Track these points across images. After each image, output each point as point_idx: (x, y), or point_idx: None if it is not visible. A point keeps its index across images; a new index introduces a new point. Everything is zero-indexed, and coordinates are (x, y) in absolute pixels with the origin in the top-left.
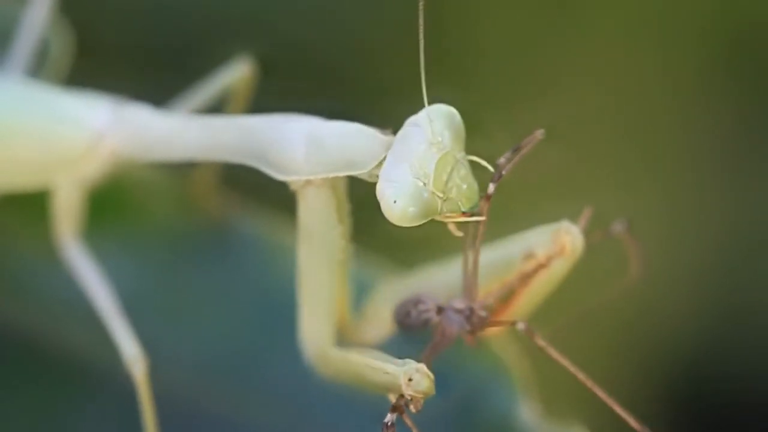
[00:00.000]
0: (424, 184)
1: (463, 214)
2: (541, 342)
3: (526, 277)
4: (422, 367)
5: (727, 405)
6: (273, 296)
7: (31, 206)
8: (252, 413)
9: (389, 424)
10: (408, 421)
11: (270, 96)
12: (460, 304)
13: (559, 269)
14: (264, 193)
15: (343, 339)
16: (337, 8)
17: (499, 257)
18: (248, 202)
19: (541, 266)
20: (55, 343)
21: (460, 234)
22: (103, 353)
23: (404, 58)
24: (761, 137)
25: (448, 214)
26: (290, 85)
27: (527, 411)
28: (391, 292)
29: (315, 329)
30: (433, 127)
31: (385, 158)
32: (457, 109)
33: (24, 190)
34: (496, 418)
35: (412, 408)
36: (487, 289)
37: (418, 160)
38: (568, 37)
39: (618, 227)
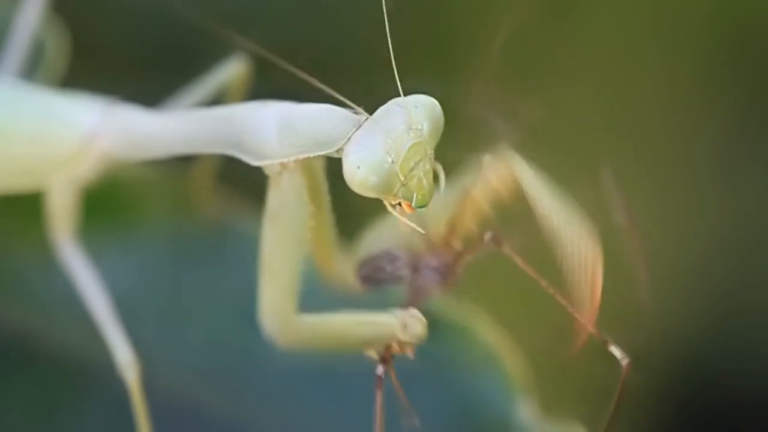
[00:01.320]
0: (392, 161)
1: (411, 207)
2: (507, 250)
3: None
4: (416, 312)
5: (727, 405)
6: None
7: (26, 206)
8: (248, 414)
9: (381, 376)
10: (393, 376)
11: (265, 94)
12: (434, 262)
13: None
14: (261, 192)
15: (329, 283)
16: (334, 4)
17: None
18: (245, 201)
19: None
20: (51, 344)
21: (407, 223)
22: (100, 353)
23: (402, 53)
24: (761, 136)
25: (401, 200)
26: (286, 82)
27: (525, 410)
28: (369, 241)
29: (275, 302)
30: (416, 113)
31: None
32: (455, 105)
33: (17, 192)
34: (494, 417)
35: (408, 353)
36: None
37: (394, 137)
38: (568, 36)
39: (605, 177)
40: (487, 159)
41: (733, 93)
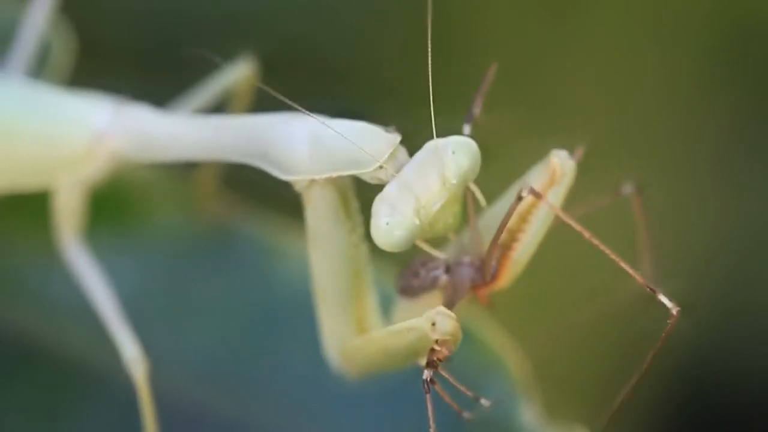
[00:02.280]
0: (419, 222)
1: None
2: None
3: (525, 215)
4: (442, 308)
5: (727, 405)
6: (274, 298)
7: (32, 207)
8: (253, 415)
9: (428, 380)
10: (444, 374)
11: (272, 96)
12: (467, 259)
13: (554, 198)
14: (266, 195)
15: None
16: (341, 7)
17: (500, 208)
18: (250, 203)
19: (538, 198)
20: (55, 344)
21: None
22: (104, 354)
23: (408, 56)
24: (761, 136)
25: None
26: (293, 85)
27: (528, 412)
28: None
29: (336, 330)
30: (452, 163)
31: (388, 157)
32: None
33: (25, 191)
34: (498, 420)
35: (445, 351)
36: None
37: (425, 200)
38: (567, 37)
39: (627, 189)
40: (550, 157)
41: (733, 93)
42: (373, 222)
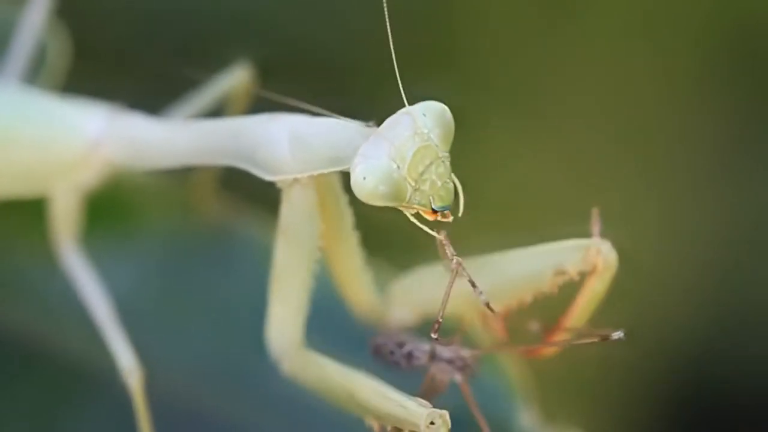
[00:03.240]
0: (398, 167)
1: (434, 212)
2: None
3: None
4: (446, 414)
5: (727, 405)
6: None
7: (32, 208)
8: (250, 418)
9: None
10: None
11: (269, 101)
12: (449, 353)
13: (595, 289)
14: (262, 198)
15: (366, 319)
16: (338, 10)
17: (528, 267)
18: (247, 206)
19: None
20: (53, 346)
21: (434, 234)
22: (102, 356)
23: (406, 60)
24: (761, 137)
25: (417, 206)
26: (290, 90)
27: (527, 417)
28: (408, 286)
29: (283, 324)
30: (423, 120)
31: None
32: (459, 106)
33: (21, 197)
34: (496, 423)
35: None
36: (519, 299)
37: (398, 143)
38: (567, 38)
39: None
40: (592, 243)
41: (733, 93)
42: (351, 177)
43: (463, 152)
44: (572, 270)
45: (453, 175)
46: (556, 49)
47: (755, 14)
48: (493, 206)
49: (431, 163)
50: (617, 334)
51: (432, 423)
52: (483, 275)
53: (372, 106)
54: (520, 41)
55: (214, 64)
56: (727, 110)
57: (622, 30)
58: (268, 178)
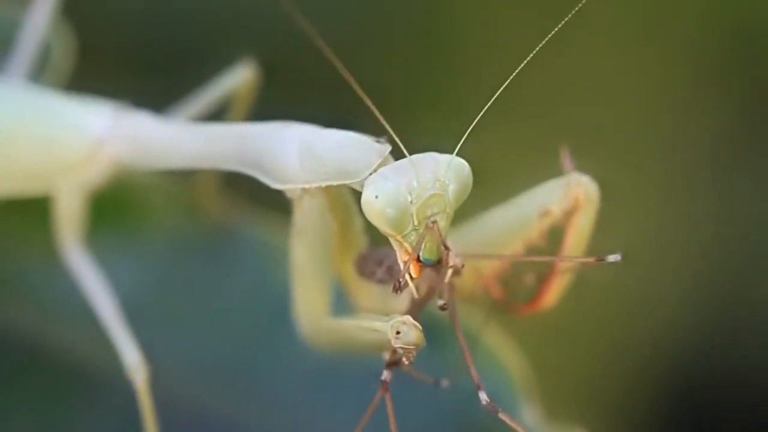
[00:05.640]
0: (411, 202)
1: (417, 260)
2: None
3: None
4: (408, 318)
5: (727, 405)
6: (275, 299)
7: (35, 207)
8: (254, 416)
9: (385, 380)
10: (409, 370)
11: (273, 100)
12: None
13: (581, 223)
14: (266, 197)
15: (357, 305)
16: (342, 12)
17: (513, 216)
18: (251, 205)
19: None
20: (56, 345)
21: (408, 271)
22: (105, 355)
23: (409, 62)
24: (758, 137)
25: (407, 245)
26: (294, 90)
27: (529, 415)
28: None
29: (308, 308)
30: (447, 171)
31: (377, 167)
32: (455, 106)
33: (25, 196)
34: (498, 421)
35: (405, 360)
36: (511, 252)
37: (420, 180)
38: (566, 38)
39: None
40: (571, 178)
41: (732, 93)
42: (364, 193)
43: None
44: (556, 208)
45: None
46: (552, 51)
47: (751, 15)
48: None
49: (438, 213)
50: (614, 257)
51: (398, 333)
52: (471, 239)
53: (374, 104)
54: (517, 41)
55: (219, 62)
56: (726, 110)
57: (620, 30)
58: (275, 186)
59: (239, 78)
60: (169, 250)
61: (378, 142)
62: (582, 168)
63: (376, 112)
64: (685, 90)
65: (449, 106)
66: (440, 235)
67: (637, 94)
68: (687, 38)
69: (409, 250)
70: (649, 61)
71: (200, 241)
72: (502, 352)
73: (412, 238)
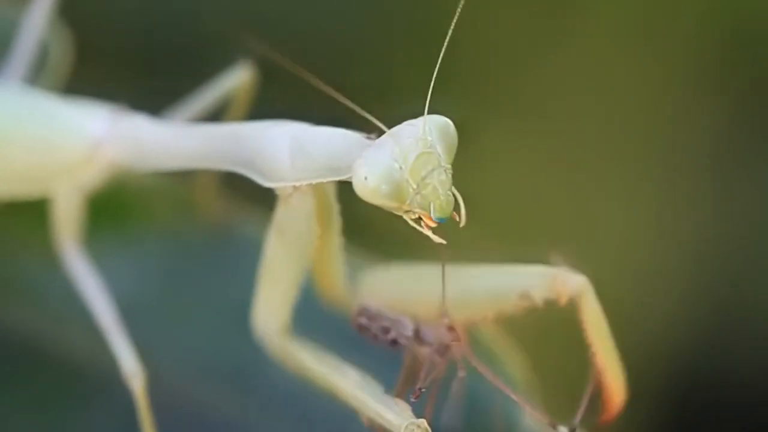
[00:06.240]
0: (400, 167)
1: (431, 218)
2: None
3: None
4: (423, 423)
5: (726, 405)
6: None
7: (35, 207)
8: (254, 416)
9: None
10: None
11: (271, 101)
12: (431, 336)
13: (593, 322)
14: (265, 197)
15: (327, 304)
16: (340, 11)
17: (494, 284)
18: (249, 206)
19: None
20: (57, 347)
21: (431, 235)
22: (105, 358)
23: (407, 61)
24: (758, 136)
25: (417, 210)
26: (292, 90)
27: (529, 416)
28: (384, 276)
29: (270, 309)
30: (427, 130)
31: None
32: (458, 113)
33: (23, 198)
34: (498, 423)
35: None
36: (482, 315)
37: (401, 148)
38: (564, 38)
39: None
40: (559, 273)
41: (732, 93)
42: (353, 179)
43: (462, 160)
44: (537, 296)
45: (453, 188)
46: (550, 51)
47: (751, 15)
48: (491, 207)
49: (433, 170)
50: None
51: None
52: (451, 284)
53: (373, 105)
54: (514, 41)
55: (217, 63)
56: (723, 111)
57: (619, 30)
58: (267, 184)
59: (237, 79)
60: (169, 250)
61: (368, 137)
62: (583, 167)
63: (359, 109)
64: (685, 90)
65: (444, 93)
66: (446, 189)
67: (637, 94)
68: (687, 38)
69: (423, 215)
70: (649, 61)
71: (199, 241)
72: (503, 352)
73: (418, 201)
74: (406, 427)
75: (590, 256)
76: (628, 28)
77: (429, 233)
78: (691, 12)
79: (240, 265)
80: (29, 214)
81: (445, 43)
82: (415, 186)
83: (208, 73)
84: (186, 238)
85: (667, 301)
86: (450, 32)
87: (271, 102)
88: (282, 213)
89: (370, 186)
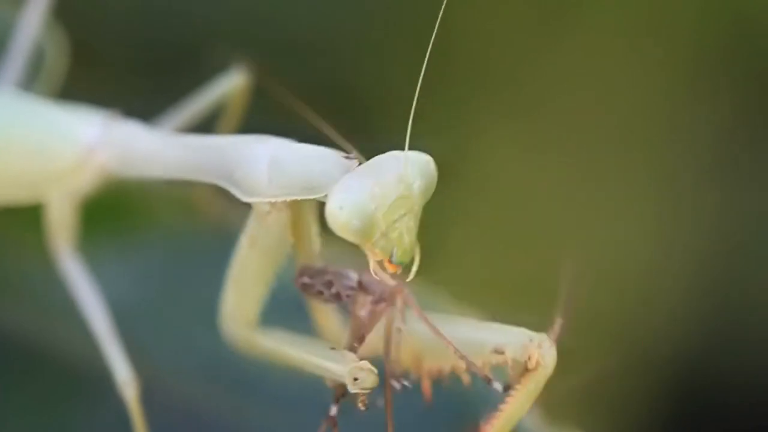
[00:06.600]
0: (375, 207)
1: (390, 262)
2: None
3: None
4: (365, 364)
5: (726, 405)
6: (274, 299)
7: (34, 210)
8: (254, 416)
9: (334, 416)
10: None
11: (266, 106)
12: (375, 286)
13: (529, 388)
14: None
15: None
16: (335, 17)
17: (469, 338)
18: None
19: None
20: (57, 348)
21: (387, 276)
22: (103, 360)
23: (402, 68)
24: (758, 135)
25: (378, 251)
26: (288, 92)
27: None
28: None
29: (237, 312)
30: (410, 168)
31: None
32: (455, 114)
33: (15, 204)
34: None
35: (360, 406)
36: (451, 365)
37: (382, 187)
38: (563, 37)
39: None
40: (533, 341)
41: (732, 92)
42: (328, 204)
43: (462, 160)
44: (509, 354)
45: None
46: (549, 50)
47: (751, 14)
48: (491, 207)
49: (405, 215)
50: None
51: (356, 378)
52: (424, 329)
53: (372, 106)
54: (514, 39)
55: (212, 68)
56: (723, 110)
57: (618, 29)
58: (245, 199)
59: (231, 84)
60: (168, 252)
61: (347, 157)
62: (583, 166)
63: (335, 134)
64: (685, 89)
65: (447, 111)
66: (411, 236)
67: (637, 93)
68: (687, 37)
69: (380, 255)
70: (649, 61)
71: (198, 243)
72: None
73: (382, 243)
74: (350, 371)
75: (590, 256)
76: (628, 28)
77: (385, 270)
78: (691, 11)
79: None
80: (29, 214)
81: (429, 48)
82: (384, 228)
83: (204, 77)
84: (185, 238)
85: (667, 301)
86: (433, 36)
87: (265, 105)
88: (255, 226)
89: (341, 218)
